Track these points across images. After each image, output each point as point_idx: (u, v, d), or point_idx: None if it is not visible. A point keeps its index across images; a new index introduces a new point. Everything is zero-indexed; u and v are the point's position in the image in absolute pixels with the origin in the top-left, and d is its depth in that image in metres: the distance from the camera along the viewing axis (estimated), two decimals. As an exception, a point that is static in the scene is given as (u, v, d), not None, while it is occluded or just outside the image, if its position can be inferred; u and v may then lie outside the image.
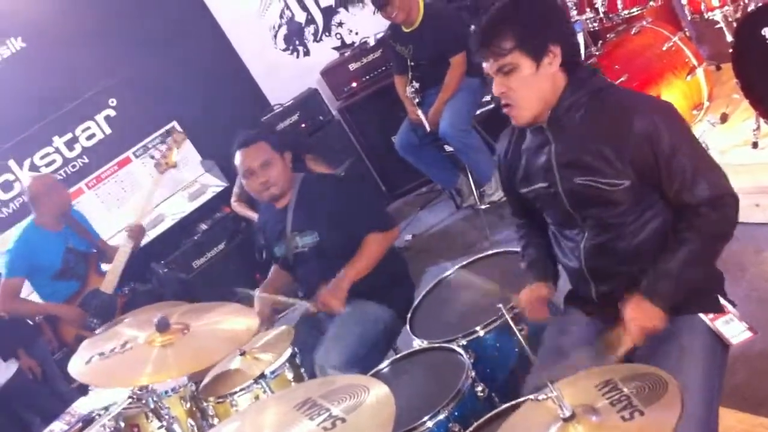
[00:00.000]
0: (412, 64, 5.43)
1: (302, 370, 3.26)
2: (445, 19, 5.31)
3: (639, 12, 4.41)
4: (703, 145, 3.94)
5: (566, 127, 2.22)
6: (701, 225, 2.11)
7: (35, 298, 5.20)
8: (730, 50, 3.65)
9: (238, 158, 3.57)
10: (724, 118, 4.19)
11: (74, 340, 4.83)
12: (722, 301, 2.23)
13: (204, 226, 6.29)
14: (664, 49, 4.30)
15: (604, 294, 2.30)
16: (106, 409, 3.35)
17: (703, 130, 4.19)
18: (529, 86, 2.17)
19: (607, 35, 4.62)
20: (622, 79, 4.14)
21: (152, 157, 5.51)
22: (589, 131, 2.17)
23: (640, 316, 2.12)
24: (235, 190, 5.86)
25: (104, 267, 5.03)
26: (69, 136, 6.41)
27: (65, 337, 4.89)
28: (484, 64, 2.23)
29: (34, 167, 6.28)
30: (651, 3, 4.37)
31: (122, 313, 4.77)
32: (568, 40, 2.22)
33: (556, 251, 2.45)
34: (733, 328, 2.18)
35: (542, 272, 2.49)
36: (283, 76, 7.02)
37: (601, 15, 4.45)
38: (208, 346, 2.26)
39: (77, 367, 2.31)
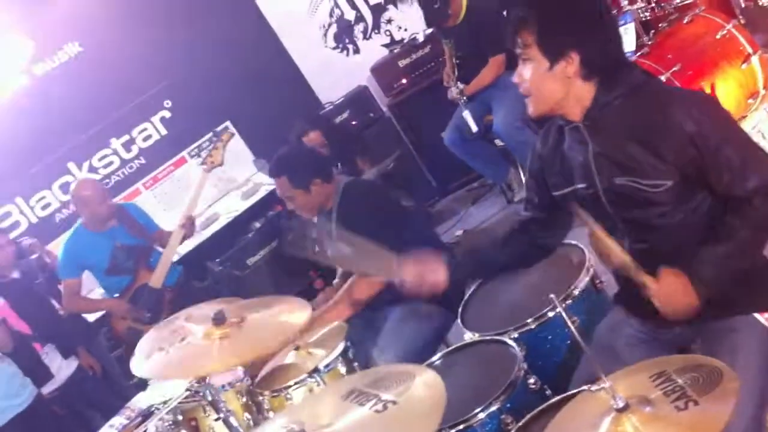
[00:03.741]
0: (457, 62, 5.43)
1: (355, 364, 3.29)
2: (486, 17, 5.30)
3: (692, 0, 4.34)
4: (759, 134, 3.91)
5: (603, 127, 2.17)
6: (752, 215, 2.05)
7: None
8: (787, 37, 3.58)
9: None
10: (780, 107, 4.10)
11: (126, 332, 4.98)
12: None
13: (257, 224, 6.36)
14: (718, 37, 4.22)
15: None
16: (165, 403, 3.42)
17: (760, 118, 4.10)
18: (540, 82, 2.17)
19: (660, 24, 4.55)
20: (675, 68, 4.07)
21: (199, 155, 5.60)
22: (628, 131, 2.12)
23: (673, 288, 2.08)
24: None
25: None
26: (126, 137, 6.56)
27: (117, 329, 5.03)
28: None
29: (92, 169, 6.45)
30: (703, -9, 4.30)
31: (169, 308, 4.93)
32: (594, 46, 2.14)
33: None
34: None
35: (462, 267, 2.59)
36: (334, 74, 7.07)
37: (653, 4, 4.39)
38: (263, 335, 2.30)
39: (139, 363, 2.36)
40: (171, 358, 2.25)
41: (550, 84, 2.17)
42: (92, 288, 5.57)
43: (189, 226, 5.09)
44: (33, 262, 5.32)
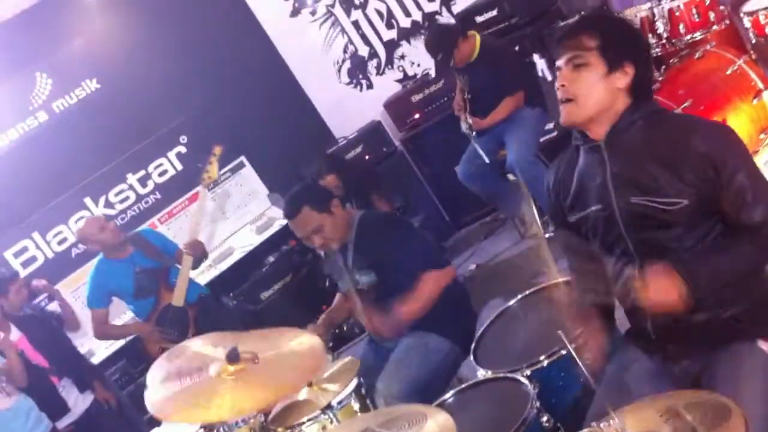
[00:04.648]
0: (469, 96, 5.48)
1: (368, 401, 3.29)
2: (501, 58, 5.33)
3: (702, 36, 4.36)
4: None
5: (623, 147, 2.23)
6: (756, 237, 2.12)
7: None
8: (797, 72, 3.59)
9: (290, 225, 3.69)
10: (793, 141, 4.11)
11: (160, 353, 4.99)
12: None
13: (271, 259, 6.39)
14: (729, 72, 4.24)
15: (662, 329, 2.27)
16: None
17: (772, 153, 4.11)
18: (592, 88, 2.21)
19: (671, 60, 4.57)
20: (686, 104, 4.09)
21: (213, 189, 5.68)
22: (647, 151, 2.18)
23: (662, 282, 2.08)
24: None
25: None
26: (142, 173, 6.62)
27: (151, 352, 5.09)
28: (557, 61, 2.28)
29: (108, 204, 6.50)
30: (714, 27, 4.32)
31: (195, 325, 5.07)
32: (645, 68, 2.26)
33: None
34: None
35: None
36: (347, 110, 7.14)
37: (664, 40, 4.41)
38: (280, 377, 2.29)
39: (154, 394, 2.35)
40: (182, 400, 2.24)
41: (600, 91, 2.22)
42: (120, 313, 5.73)
43: (197, 249, 5.20)
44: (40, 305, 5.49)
